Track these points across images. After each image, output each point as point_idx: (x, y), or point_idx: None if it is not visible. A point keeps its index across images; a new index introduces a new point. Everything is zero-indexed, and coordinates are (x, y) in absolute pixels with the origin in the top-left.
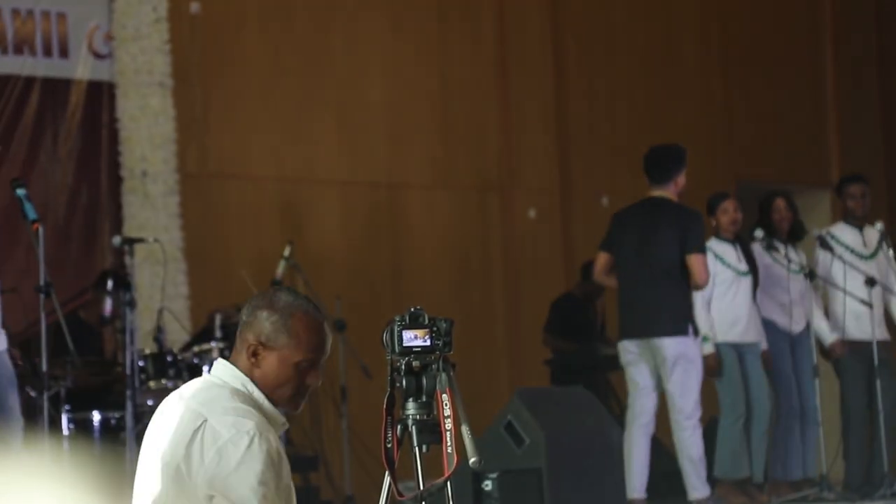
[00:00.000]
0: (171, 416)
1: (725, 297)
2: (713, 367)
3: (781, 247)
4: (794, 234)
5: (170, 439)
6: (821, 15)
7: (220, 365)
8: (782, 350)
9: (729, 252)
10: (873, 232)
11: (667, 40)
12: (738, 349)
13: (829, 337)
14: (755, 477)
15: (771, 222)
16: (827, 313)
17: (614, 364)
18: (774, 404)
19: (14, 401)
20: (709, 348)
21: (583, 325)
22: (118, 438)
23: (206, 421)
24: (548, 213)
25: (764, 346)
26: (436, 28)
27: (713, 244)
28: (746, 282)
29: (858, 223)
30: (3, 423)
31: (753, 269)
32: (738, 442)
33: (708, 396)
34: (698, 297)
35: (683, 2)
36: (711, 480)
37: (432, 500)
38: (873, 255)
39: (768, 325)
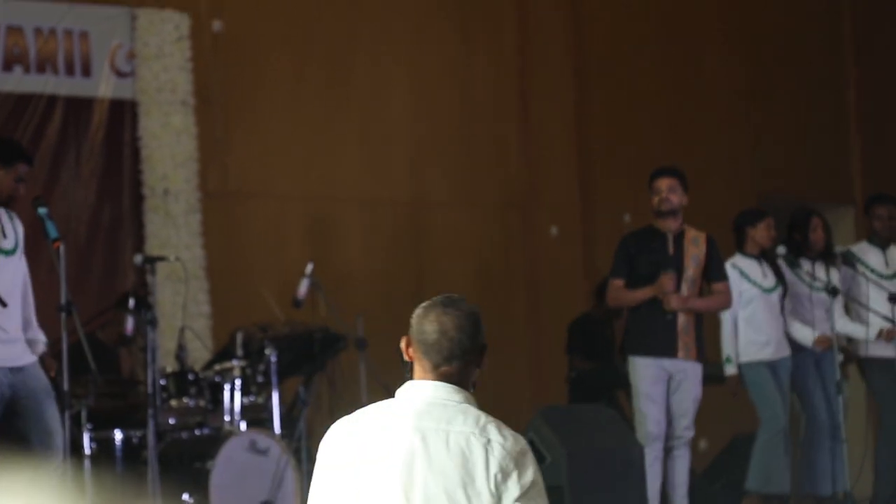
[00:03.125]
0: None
1: (755, 316)
2: (733, 389)
3: (806, 264)
4: (826, 254)
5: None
6: (842, 31)
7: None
8: (808, 367)
9: (754, 269)
10: (895, 251)
11: (689, 58)
12: (772, 366)
13: (870, 330)
14: (783, 489)
15: (807, 240)
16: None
17: None
18: (802, 421)
19: (52, 413)
20: (731, 370)
21: (603, 346)
22: (140, 458)
23: (489, 440)
24: (570, 231)
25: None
26: (458, 46)
27: (738, 260)
28: (774, 298)
29: (883, 243)
30: (42, 436)
31: (782, 283)
32: (776, 456)
33: (730, 413)
34: (727, 318)
35: (706, 19)
36: (735, 497)
37: None
38: (895, 276)
39: (793, 343)
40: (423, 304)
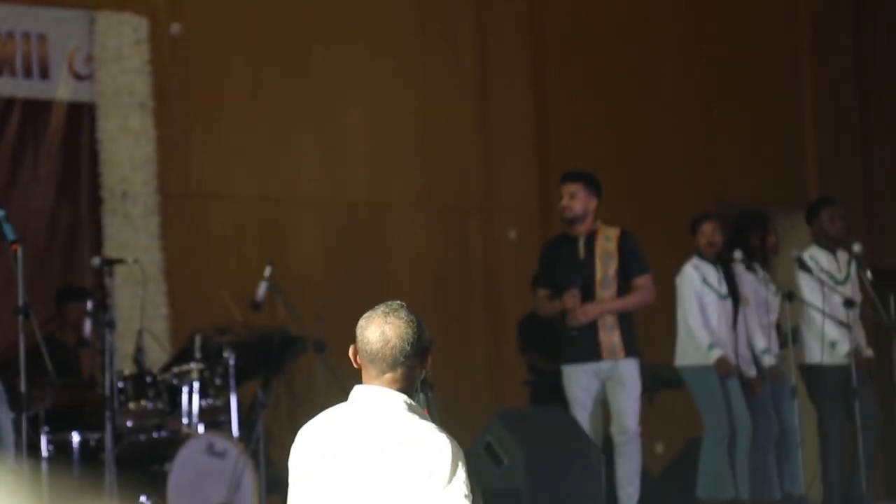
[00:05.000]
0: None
1: (709, 321)
2: (726, 369)
3: (759, 269)
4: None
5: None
6: (799, 38)
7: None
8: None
9: (711, 273)
10: (845, 255)
11: (647, 63)
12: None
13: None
14: (741, 495)
15: (765, 245)
16: (795, 337)
17: None
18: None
19: (5, 418)
20: (717, 353)
21: (552, 338)
22: (97, 460)
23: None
24: (528, 235)
25: (753, 372)
26: (416, 49)
27: (698, 263)
28: (727, 305)
29: (831, 246)
30: None
31: (734, 292)
32: (722, 462)
33: (686, 417)
34: (697, 316)
35: (663, 25)
36: (692, 500)
37: None
38: (846, 279)
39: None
40: (366, 314)
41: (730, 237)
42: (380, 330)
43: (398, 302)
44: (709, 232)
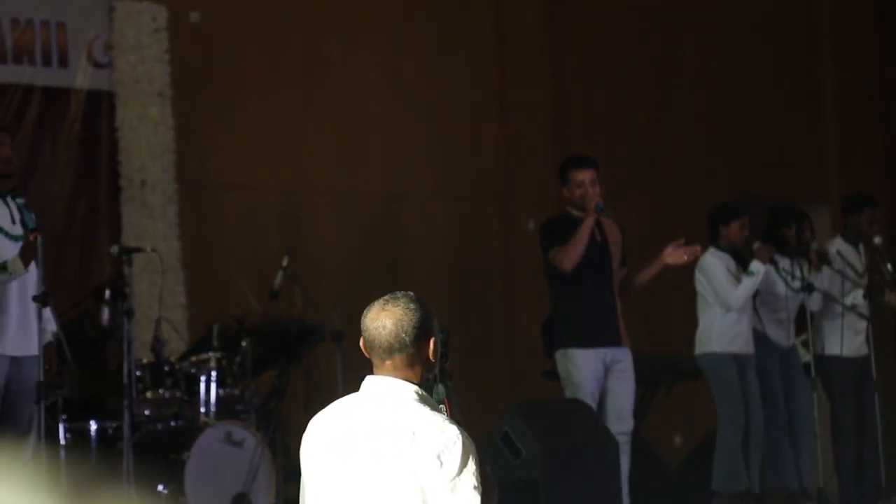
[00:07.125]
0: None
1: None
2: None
3: (783, 261)
4: (805, 252)
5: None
6: (820, 30)
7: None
8: (771, 363)
9: (731, 263)
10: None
11: (665, 55)
12: (739, 361)
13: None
14: (753, 488)
15: (800, 239)
16: (810, 327)
17: None
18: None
19: (29, 412)
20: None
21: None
22: (115, 448)
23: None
24: None
25: None
26: (435, 39)
27: (718, 253)
28: None
29: (856, 241)
30: (13, 433)
31: None
32: (738, 455)
33: (705, 409)
34: (732, 289)
35: (683, 18)
36: (709, 492)
37: None
38: (865, 271)
39: (761, 338)
40: (370, 304)
41: (764, 230)
42: (377, 317)
43: (404, 292)
44: (746, 226)
